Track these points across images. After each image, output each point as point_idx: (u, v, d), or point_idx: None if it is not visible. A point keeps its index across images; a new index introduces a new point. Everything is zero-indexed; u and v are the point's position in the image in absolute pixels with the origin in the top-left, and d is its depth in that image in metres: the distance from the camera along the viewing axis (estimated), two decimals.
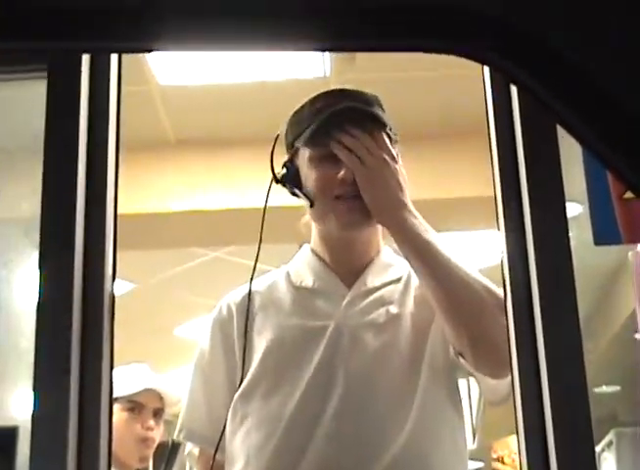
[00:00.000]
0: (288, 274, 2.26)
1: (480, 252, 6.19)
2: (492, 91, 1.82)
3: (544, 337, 1.62)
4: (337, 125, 2.09)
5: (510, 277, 1.71)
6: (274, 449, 2.01)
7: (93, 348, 1.67)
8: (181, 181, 5.61)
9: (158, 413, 3.50)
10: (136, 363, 3.57)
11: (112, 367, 1.74)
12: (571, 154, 1.76)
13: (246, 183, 5.57)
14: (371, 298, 2.17)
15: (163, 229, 5.83)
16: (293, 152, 2.19)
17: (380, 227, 2.21)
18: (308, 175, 2.15)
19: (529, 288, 1.68)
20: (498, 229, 1.80)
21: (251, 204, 5.55)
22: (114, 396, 1.69)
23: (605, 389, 7.83)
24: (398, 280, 2.22)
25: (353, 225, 2.14)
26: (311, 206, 2.16)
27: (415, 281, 2.19)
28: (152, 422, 3.45)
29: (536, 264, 1.65)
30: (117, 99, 1.83)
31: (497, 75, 1.81)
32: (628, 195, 1.76)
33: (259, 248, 2.20)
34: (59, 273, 1.65)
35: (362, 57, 4.63)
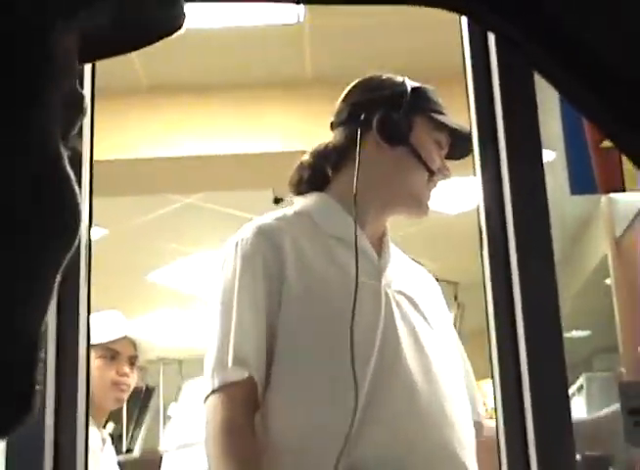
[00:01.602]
0: (311, 219, 2.21)
1: (455, 198, 6.22)
2: (470, 40, 1.82)
3: (520, 282, 1.64)
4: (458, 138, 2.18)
5: (487, 223, 1.72)
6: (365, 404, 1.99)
7: (70, 295, 1.68)
8: (154, 128, 5.58)
9: (132, 361, 3.52)
10: (110, 310, 3.58)
11: (89, 314, 1.74)
12: (547, 103, 1.76)
13: (218, 130, 5.55)
14: (392, 266, 2.20)
15: (136, 176, 5.80)
16: (414, 109, 2.19)
17: None
18: (428, 145, 2.19)
19: (506, 234, 1.69)
20: (474, 175, 1.81)
21: (222, 150, 5.53)
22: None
23: (575, 333, 7.91)
24: (398, 259, 2.28)
25: (426, 210, 2.22)
26: (420, 161, 2.18)
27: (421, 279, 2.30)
28: (127, 369, 3.47)
29: (513, 210, 1.67)
30: None
31: (475, 26, 1.81)
32: (605, 144, 1.77)
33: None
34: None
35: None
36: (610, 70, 0.72)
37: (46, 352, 1.46)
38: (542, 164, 1.68)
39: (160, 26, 0.71)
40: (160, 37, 0.71)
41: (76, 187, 0.57)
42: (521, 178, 1.68)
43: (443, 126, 2.17)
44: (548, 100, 1.77)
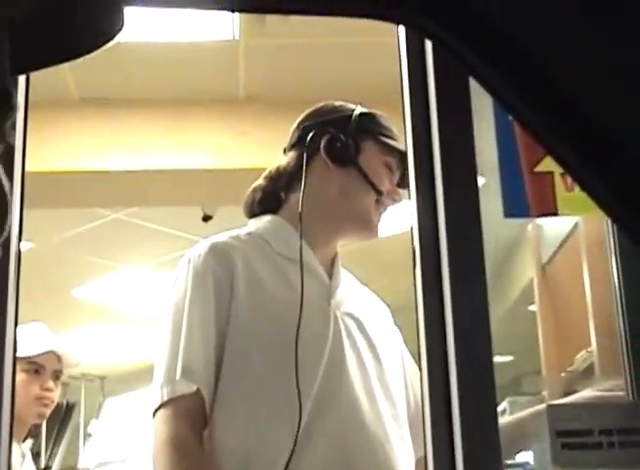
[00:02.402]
0: (262, 239, 2.22)
1: (386, 220, 6.23)
2: (407, 61, 1.83)
3: (452, 305, 1.65)
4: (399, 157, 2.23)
5: (420, 245, 1.73)
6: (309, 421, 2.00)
7: None
8: (84, 141, 5.53)
9: (57, 374, 3.48)
10: (34, 323, 3.53)
11: (16, 328, 1.71)
12: (481, 127, 1.78)
13: (149, 145, 5.52)
14: (342, 290, 2.23)
15: (64, 189, 5.74)
16: (363, 134, 2.24)
17: None
18: (375, 166, 2.23)
19: (439, 256, 1.70)
20: (409, 198, 1.82)
21: (152, 166, 5.50)
22: None
23: (499, 359, 7.99)
24: (347, 282, 2.30)
25: (376, 233, 2.26)
26: (365, 180, 2.21)
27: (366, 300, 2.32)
28: (51, 384, 3.43)
29: (446, 233, 1.67)
30: None
31: (413, 45, 1.82)
32: (539, 168, 1.79)
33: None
34: None
35: (272, 20, 4.60)
36: (549, 83, 0.73)
37: None
38: (477, 187, 1.70)
39: (98, 34, 0.70)
40: (97, 45, 0.70)
41: (5, 180, 0.56)
42: (455, 201, 1.69)
43: (392, 149, 2.22)
44: (483, 124, 1.79)
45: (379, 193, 2.20)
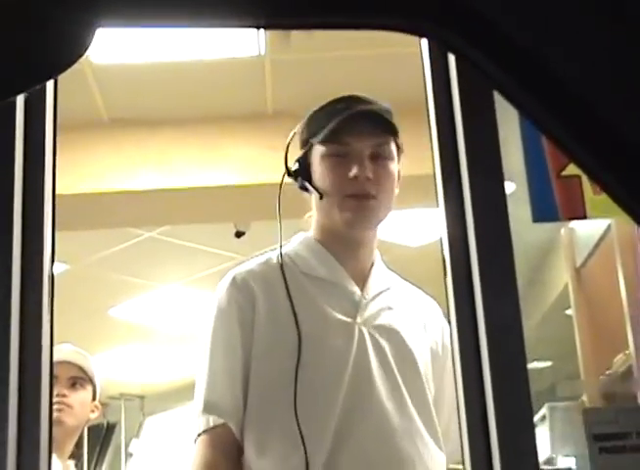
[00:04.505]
0: (291, 259, 2.23)
1: (416, 230, 6.25)
2: (431, 70, 1.83)
3: (484, 313, 1.64)
4: (352, 127, 2.16)
5: (450, 254, 1.73)
6: (332, 438, 2.03)
7: (33, 328, 1.66)
8: (115, 161, 5.56)
9: (74, 381, 3.50)
10: (63, 344, 3.57)
11: (52, 348, 1.73)
12: (507, 133, 1.78)
13: (179, 163, 5.54)
14: (378, 302, 2.21)
15: (97, 210, 5.77)
16: (307, 148, 2.24)
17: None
18: (320, 171, 2.20)
19: (469, 264, 1.69)
20: (437, 206, 1.82)
21: (183, 184, 5.52)
22: None
23: (537, 365, 7.94)
24: (389, 288, 2.27)
25: (358, 224, 2.19)
26: (320, 198, 2.20)
27: (405, 298, 2.29)
28: (65, 391, 3.45)
29: (476, 241, 1.67)
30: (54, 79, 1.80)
31: (436, 54, 1.82)
32: (566, 172, 1.79)
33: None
34: None
35: (297, 36, 4.61)
36: (570, 93, 0.73)
37: (8, 387, 1.44)
38: (505, 193, 1.69)
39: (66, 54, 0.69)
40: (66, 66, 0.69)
41: None
42: (483, 208, 1.69)
43: (327, 139, 2.18)
44: (509, 130, 1.79)
45: (329, 194, 2.17)
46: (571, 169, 1.78)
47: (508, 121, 1.80)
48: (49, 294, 1.70)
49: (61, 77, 1.84)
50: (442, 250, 1.76)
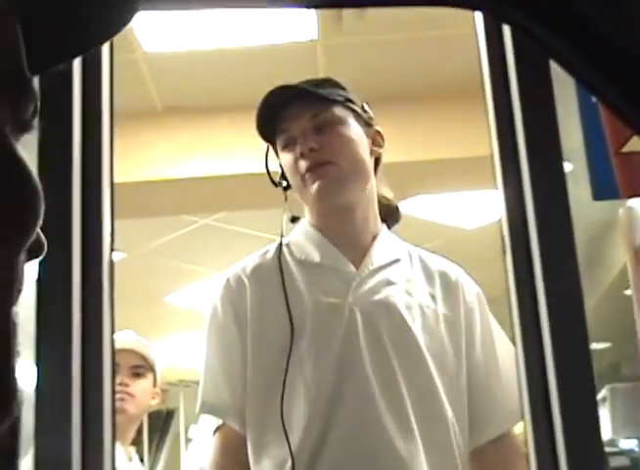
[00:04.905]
0: (289, 248, 2.25)
1: (472, 213, 6.20)
2: (487, 49, 1.81)
3: (545, 293, 1.63)
4: (283, 113, 2.21)
5: (510, 234, 1.71)
6: (321, 427, 2.04)
7: (94, 317, 1.67)
8: (168, 149, 5.59)
9: (135, 370, 3.52)
10: (125, 331, 3.59)
11: (112, 336, 1.74)
12: (565, 112, 1.76)
13: (233, 149, 5.55)
14: (377, 277, 2.18)
15: (151, 198, 5.81)
16: (276, 151, 2.30)
17: (376, 205, 2.25)
18: (284, 167, 2.26)
19: (529, 245, 1.68)
20: (496, 188, 1.80)
21: (238, 170, 5.53)
22: None
23: (596, 346, 7.88)
24: (398, 260, 2.24)
25: (325, 192, 2.17)
26: (286, 189, 2.26)
27: (419, 268, 2.25)
28: (127, 380, 3.47)
29: (536, 221, 1.66)
30: (110, 68, 1.81)
31: (491, 32, 1.80)
32: (626, 148, 1.76)
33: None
34: (58, 244, 1.65)
35: (349, 18, 4.60)
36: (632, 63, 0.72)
37: (71, 375, 1.45)
38: (563, 172, 1.67)
39: (109, 25, 0.69)
40: (108, 37, 0.69)
41: (30, 168, 0.56)
42: (543, 187, 1.67)
43: (269, 135, 2.27)
44: (567, 108, 1.77)
45: (294, 181, 2.21)
46: (632, 146, 1.75)
47: (566, 99, 1.78)
48: (109, 282, 1.72)
49: (114, 67, 1.85)
50: (502, 230, 1.75)
